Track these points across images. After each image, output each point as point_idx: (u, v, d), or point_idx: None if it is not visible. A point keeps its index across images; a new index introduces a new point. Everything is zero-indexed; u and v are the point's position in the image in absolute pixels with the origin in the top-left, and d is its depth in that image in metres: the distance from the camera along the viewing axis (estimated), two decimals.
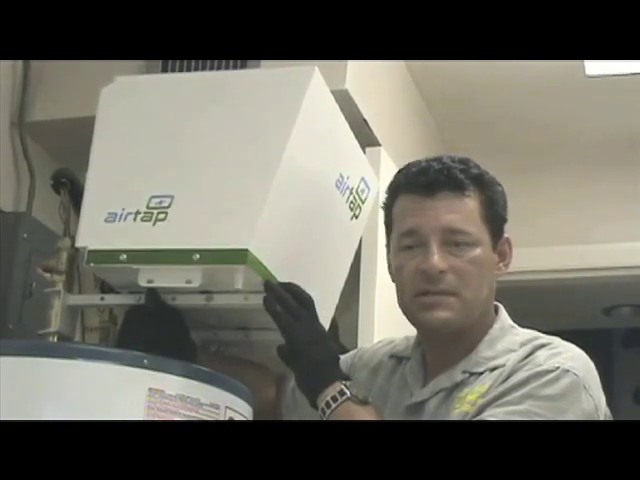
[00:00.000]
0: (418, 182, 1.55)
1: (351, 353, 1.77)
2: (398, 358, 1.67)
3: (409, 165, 1.60)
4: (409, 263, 1.54)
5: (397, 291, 1.58)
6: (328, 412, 1.46)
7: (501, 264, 1.59)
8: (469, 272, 1.52)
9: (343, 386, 1.47)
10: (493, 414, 1.42)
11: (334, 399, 1.46)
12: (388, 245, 1.62)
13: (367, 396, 1.49)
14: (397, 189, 1.59)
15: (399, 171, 1.61)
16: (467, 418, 1.45)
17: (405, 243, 1.55)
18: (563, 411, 1.42)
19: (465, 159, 1.58)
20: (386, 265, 1.63)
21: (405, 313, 1.58)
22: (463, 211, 1.53)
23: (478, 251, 1.53)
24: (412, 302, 1.54)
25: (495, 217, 1.57)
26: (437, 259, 1.51)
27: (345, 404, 1.46)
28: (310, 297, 1.52)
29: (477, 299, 1.54)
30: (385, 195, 1.62)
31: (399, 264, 1.57)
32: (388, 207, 1.61)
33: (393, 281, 1.60)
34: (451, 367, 1.55)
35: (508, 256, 1.60)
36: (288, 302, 1.50)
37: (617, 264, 3.52)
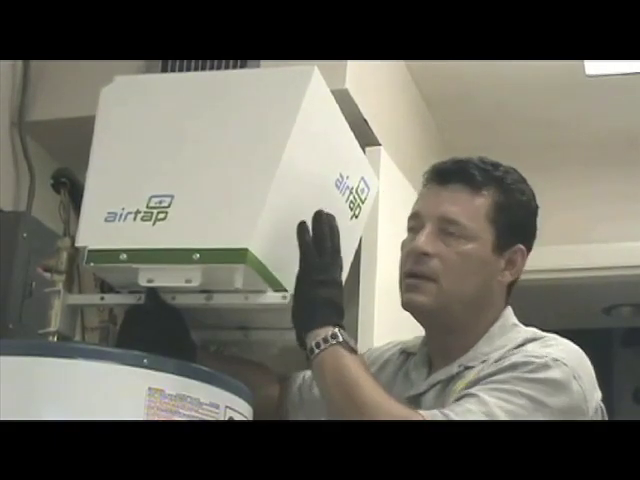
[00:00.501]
0: (435, 171, 1.61)
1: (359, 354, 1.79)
2: (407, 354, 1.69)
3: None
4: (407, 245, 1.59)
5: None
6: (317, 351, 1.45)
7: (507, 271, 1.59)
8: (454, 262, 1.54)
9: (337, 330, 1.46)
10: (480, 390, 1.43)
11: (325, 340, 1.45)
12: None
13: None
14: (424, 179, 1.64)
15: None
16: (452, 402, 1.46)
17: (410, 225, 1.61)
18: (548, 395, 1.43)
19: (496, 162, 1.61)
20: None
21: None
22: (467, 205, 1.56)
23: (471, 246, 1.55)
24: (402, 282, 1.59)
25: (507, 222, 1.58)
26: (423, 241, 1.54)
27: (334, 347, 1.44)
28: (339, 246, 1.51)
29: (458, 291, 1.55)
30: None
31: (401, 245, 1.62)
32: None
33: None
34: (451, 363, 1.57)
35: (517, 266, 1.60)
36: (322, 237, 1.49)
37: (617, 264, 3.52)
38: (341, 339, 1.45)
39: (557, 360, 1.46)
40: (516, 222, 1.60)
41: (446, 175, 1.58)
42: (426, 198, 1.61)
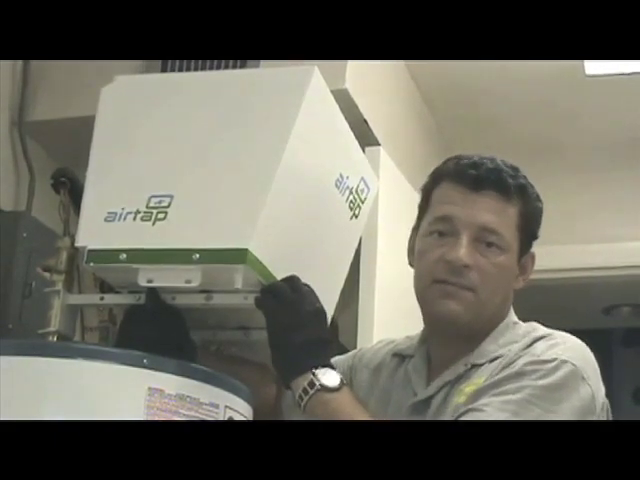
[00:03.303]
0: (468, 174, 1.55)
1: (351, 354, 1.77)
2: (401, 356, 1.67)
3: (460, 156, 1.60)
4: (435, 250, 1.54)
5: (415, 275, 1.59)
6: (303, 404, 1.45)
7: (520, 277, 1.59)
8: (491, 274, 1.52)
9: (312, 375, 1.45)
10: (488, 402, 1.42)
11: (305, 391, 1.44)
12: (416, 228, 1.62)
13: (341, 378, 1.46)
14: (443, 175, 1.59)
15: (448, 159, 1.62)
16: (461, 409, 1.45)
17: (437, 228, 1.56)
18: (560, 401, 1.42)
19: (515, 167, 1.59)
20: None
21: (419, 299, 1.58)
22: (502, 215, 1.54)
23: (505, 257, 1.54)
24: (429, 288, 1.54)
25: (528, 231, 1.58)
26: (465, 252, 1.51)
27: (317, 395, 1.44)
28: (295, 278, 1.51)
29: (491, 303, 1.54)
30: (427, 179, 1.63)
31: (424, 248, 1.57)
32: (428, 190, 1.61)
33: (411, 265, 1.61)
34: (455, 362, 1.56)
35: (528, 271, 1.60)
36: (274, 285, 1.49)
37: (617, 264, 3.52)
38: (319, 385, 1.44)
39: (566, 361, 1.45)
40: (534, 229, 1.60)
41: (480, 181, 1.54)
42: (459, 203, 1.54)
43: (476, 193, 1.54)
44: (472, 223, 1.53)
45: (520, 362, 1.47)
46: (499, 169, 1.55)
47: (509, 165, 1.58)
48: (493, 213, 1.53)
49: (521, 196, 1.56)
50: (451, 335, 1.57)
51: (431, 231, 1.57)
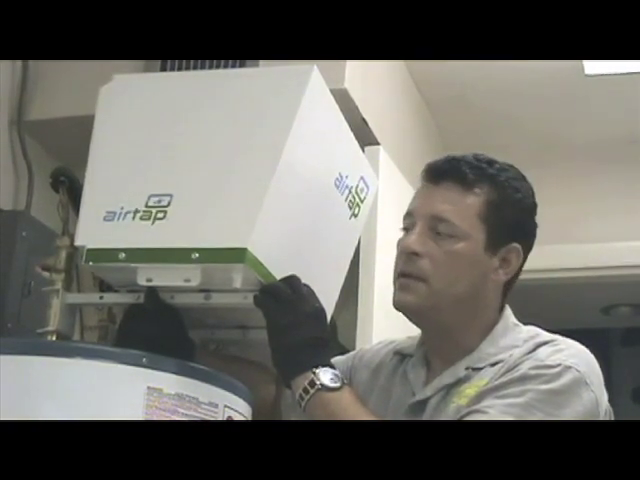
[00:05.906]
0: (428, 169, 1.60)
1: (350, 354, 1.77)
2: (402, 355, 1.67)
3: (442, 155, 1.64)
4: (399, 244, 1.59)
5: None
6: (303, 403, 1.46)
7: (501, 270, 1.58)
8: (444, 262, 1.53)
9: (313, 375, 1.45)
10: (492, 405, 1.42)
11: (306, 391, 1.45)
12: None
13: (342, 377, 1.47)
14: (420, 177, 1.63)
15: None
16: (463, 410, 1.45)
17: (403, 224, 1.60)
18: (563, 406, 1.42)
19: (492, 160, 1.60)
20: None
21: None
22: (458, 204, 1.55)
23: (461, 245, 1.54)
24: (394, 282, 1.58)
25: (499, 220, 1.56)
26: (414, 240, 1.54)
27: (317, 395, 1.44)
28: (295, 278, 1.51)
29: (448, 291, 1.54)
30: None
31: (397, 244, 1.61)
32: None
33: None
34: (454, 364, 1.56)
35: (512, 265, 1.59)
36: (273, 285, 1.49)
37: (616, 263, 3.52)
38: (320, 384, 1.45)
39: (570, 367, 1.45)
40: (510, 220, 1.58)
41: (438, 173, 1.57)
42: (419, 197, 1.60)
43: (435, 185, 1.57)
44: (426, 213, 1.56)
45: (524, 366, 1.47)
46: (458, 160, 1.58)
47: (482, 158, 1.59)
48: (448, 203, 1.55)
49: (489, 186, 1.56)
50: (422, 327, 1.60)
51: (401, 228, 1.61)
